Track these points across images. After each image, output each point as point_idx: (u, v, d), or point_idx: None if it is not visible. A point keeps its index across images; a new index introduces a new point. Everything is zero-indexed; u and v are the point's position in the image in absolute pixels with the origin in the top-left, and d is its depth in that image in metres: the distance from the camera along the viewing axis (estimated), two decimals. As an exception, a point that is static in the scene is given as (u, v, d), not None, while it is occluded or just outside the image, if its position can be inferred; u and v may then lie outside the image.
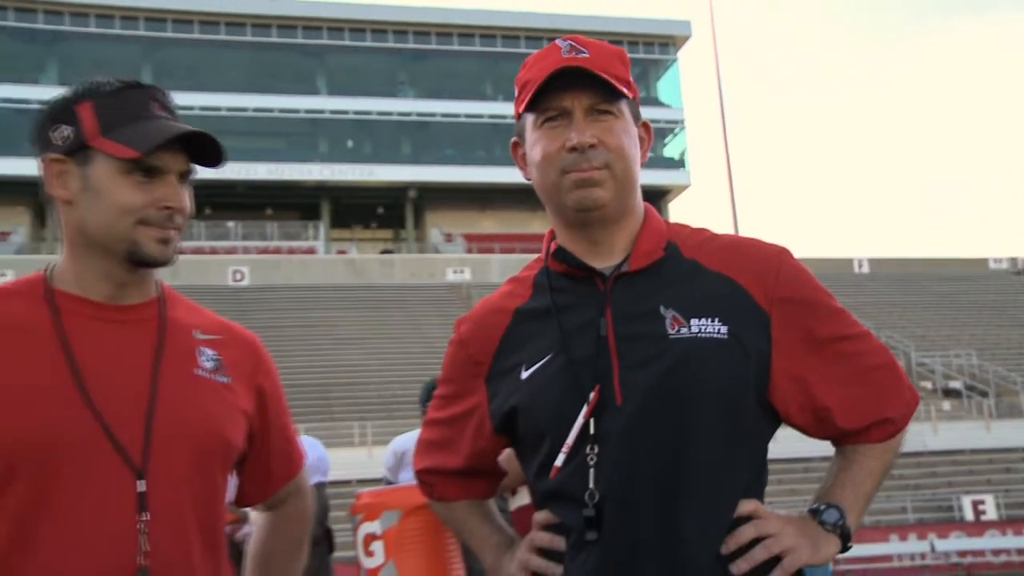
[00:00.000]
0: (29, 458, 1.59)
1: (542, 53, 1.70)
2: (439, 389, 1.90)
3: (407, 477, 4.72)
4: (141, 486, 1.63)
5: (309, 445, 4.76)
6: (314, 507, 4.24)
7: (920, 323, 38.12)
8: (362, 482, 26.65)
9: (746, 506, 1.62)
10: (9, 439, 1.58)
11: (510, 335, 1.75)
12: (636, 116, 1.71)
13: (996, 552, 23.88)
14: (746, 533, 1.60)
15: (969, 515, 25.70)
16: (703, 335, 1.61)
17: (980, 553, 23.77)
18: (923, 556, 23.94)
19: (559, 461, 1.64)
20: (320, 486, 4.70)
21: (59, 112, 1.69)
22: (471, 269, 44.64)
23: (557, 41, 1.69)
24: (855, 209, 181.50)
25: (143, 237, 1.68)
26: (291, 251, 45.95)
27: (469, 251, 47.63)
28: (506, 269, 45.79)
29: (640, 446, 1.60)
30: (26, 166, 36.70)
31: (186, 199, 1.71)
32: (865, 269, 45.45)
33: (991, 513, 25.54)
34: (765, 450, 1.72)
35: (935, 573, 23.15)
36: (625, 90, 1.65)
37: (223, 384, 1.77)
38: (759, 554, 1.59)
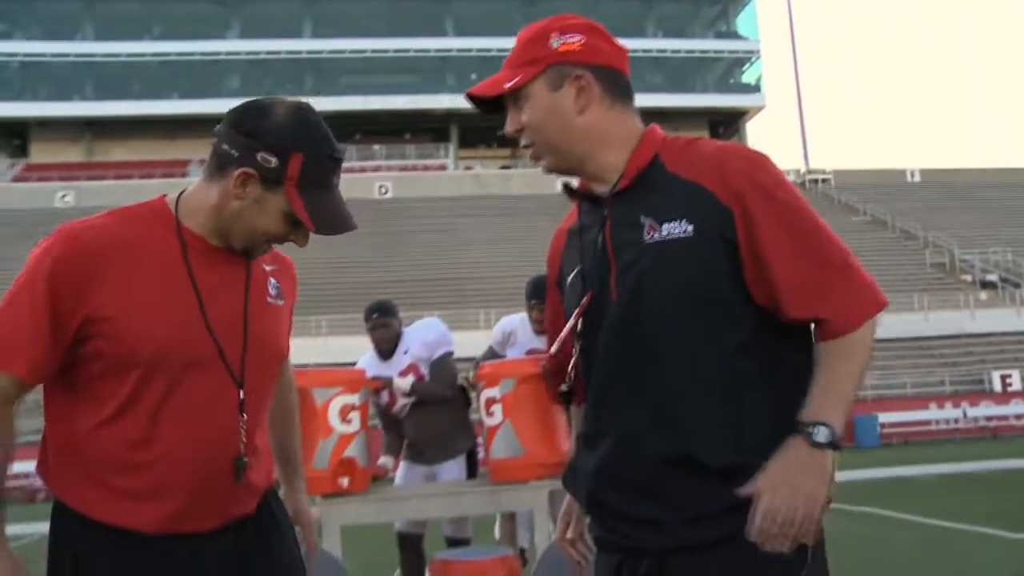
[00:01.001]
0: (164, 366, 1.60)
1: None
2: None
3: (514, 354, 4.81)
4: (241, 395, 1.68)
5: (434, 325, 4.87)
6: (448, 372, 4.69)
7: (963, 225, 36.95)
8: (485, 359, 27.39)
9: (747, 488, 1.46)
10: (151, 348, 1.59)
11: (565, 252, 1.77)
12: (560, 77, 1.61)
13: (1018, 417, 23.80)
14: (763, 505, 1.43)
15: (997, 387, 25.45)
16: (671, 237, 1.52)
17: (1005, 418, 23.70)
18: (956, 421, 23.98)
19: (553, 348, 1.70)
20: (448, 355, 4.72)
21: (275, 145, 1.60)
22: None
23: None
24: (909, 122, 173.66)
25: (260, 247, 1.72)
26: (426, 168, 46.45)
27: (574, 165, 47.40)
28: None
29: (625, 337, 1.56)
30: (218, 106, 37.55)
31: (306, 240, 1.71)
32: (917, 178, 43.98)
33: (1016, 385, 25.27)
34: (763, 334, 1.54)
35: (966, 435, 23.14)
36: (513, 82, 1.62)
37: (280, 307, 1.82)
38: (760, 523, 1.44)
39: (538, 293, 4.67)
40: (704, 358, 1.52)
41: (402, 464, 4.87)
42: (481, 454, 4.43)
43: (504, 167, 47.95)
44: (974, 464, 14.55)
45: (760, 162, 1.56)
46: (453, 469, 4.76)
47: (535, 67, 1.62)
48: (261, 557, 1.77)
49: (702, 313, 1.53)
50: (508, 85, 1.62)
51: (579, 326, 1.62)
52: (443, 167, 47.27)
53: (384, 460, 4.80)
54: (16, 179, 45.26)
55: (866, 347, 1.52)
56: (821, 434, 1.45)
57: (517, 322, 4.92)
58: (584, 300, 1.61)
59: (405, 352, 4.70)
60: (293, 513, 1.98)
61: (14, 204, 41.51)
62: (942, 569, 5.92)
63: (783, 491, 1.42)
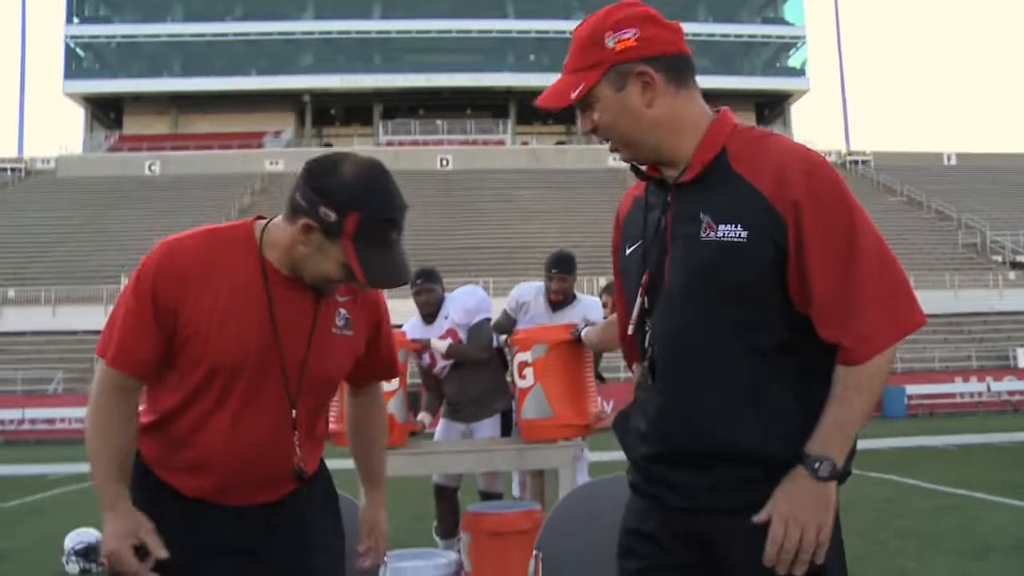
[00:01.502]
0: (231, 375, 1.71)
1: None
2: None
3: (526, 321, 4.75)
4: (294, 413, 1.77)
5: (474, 292, 4.79)
6: (483, 337, 4.68)
7: (997, 207, 35.96)
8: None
9: (760, 516, 1.47)
10: (224, 359, 1.69)
11: (628, 218, 1.73)
12: (622, 76, 1.55)
13: (1041, 393, 23.20)
14: (775, 535, 1.45)
15: (1022, 363, 24.88)
16: (725, 239, 1.48)
17: (1027, 393, 23.12)
18: (980, 395, 23.42)
19: (629, 330, 1.67)
20: (485, 321, 4.67)
21: (334, 202, 1.63)
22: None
23: None
24: (948, 107, 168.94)
25: (326, 287, 1.76)
26: (485, 143, 46.42)
27: (624, 143, 47.16)
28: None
29: (671, 322, 1.57)
30: (292, 82, 37.88)
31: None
32: (953, 161, 42.83)
33: (1040, 362, 24.65)
34: (798, 337, 1.50)
35: (989, 408, 22.62)
36: (578, 91, 1.56)
37: (348, 337, 1.83)
38: (773, 555, 1.46)
39: (559, 264, 4.73)
40: (735, 354, 1.51)
41: (441, 421, 4.90)
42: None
43: (559, 143, 47.71)
44: (994, 436, 14.27)
45: (821, 173, 1.49)
46: (489, 427, 4.74)
47: (596, 71, 1.56)
48: (289, 532, 1.83)
49: (740, 312, 1.51)
50: (574, 95, 1.57)
51: (644, 302, 1.62)
52: (501, 142, 47.19)
53: (423, 416, 4.77)
54: (111, 149, 46.25)
55: (880, 378, 1.47)
56: (824, 469, 1.45)
57: (532, 292, 4.86)
58: (644, 279, 1.61)
59: (446, 317, 4.69)
60: (369, 525, 2.03)
61: (110, 172, 42.45)
62: (957, 534, 5.82)
63: (791, 522, 1.44)
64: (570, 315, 4.67)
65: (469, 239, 35.74)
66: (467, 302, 4.71)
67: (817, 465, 1.45)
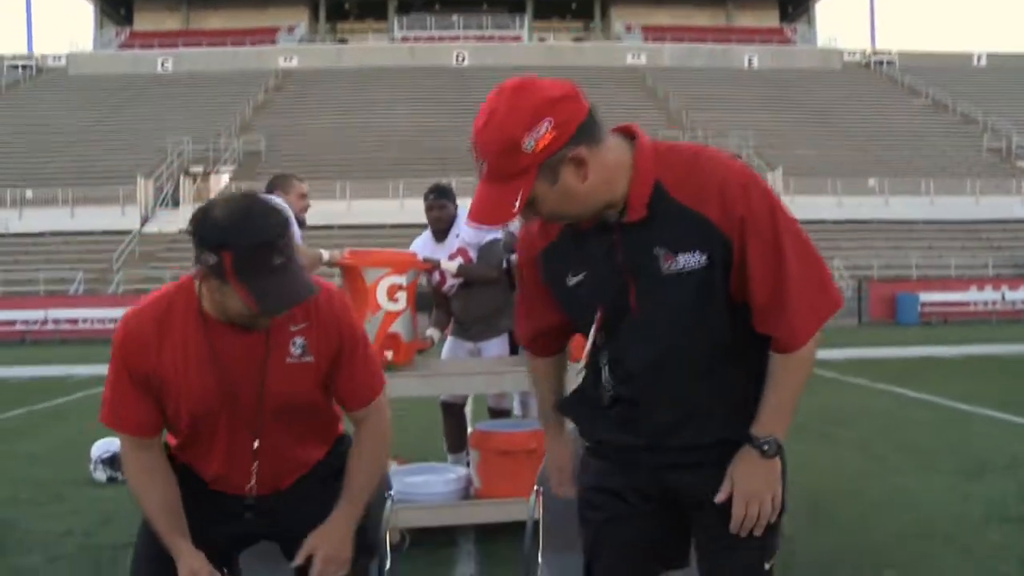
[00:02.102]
0: (190, 419, 1.88)
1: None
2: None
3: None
4: (256, 444, 1.90)
5: None
6: (493, 257, 4.67)
7: (1024, 111, 35.22)
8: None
9: (720, 496, 1.65)
10: (181, 407, 1.86)
11: (554, 248, 1.71)
12: (553, 169, 1.51)
13: (1056, 302, 23.19)
14: (737, 513, 1.64)
15: (1039, 272, 24.75)
16: (687, 268, 1.58)
17: (1043, 303, 23.12)
18: (994, 303, 23.51)
19: (585, 353, 1.73)
20: (496, 242, 4.66)
21: (209, 246, 1.71)
22: (646, 55, 43.47)
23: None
24: (981, 4, 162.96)
25: (250, 323, 1.82)
26: (502, 39, 45.50)
27: (645, 40, 46.11)
28: (675, 55, 44.27)
29: (647, 348, 1.65)
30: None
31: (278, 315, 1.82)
32: (983, 63, 41.69)
33: (1058, 272, 24.53)
34: (748, 325, 1.64)
35: (1002, 317, 22.72)
36: (517, 205, 1.51)
37: (306, 363, 1.88)
38: (738, 508, 1.64)
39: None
40: (713, 361, 1.65)
41: (449, 339, 4.97)
42: None
43: (577, 39, 46.68)
44: (1004, 347, 14.37)
45: (756, 188, 1.58)
46: (496, 346, 4.80)
47: (527, 177, 1.50)
48: (291, 520, 1.97)
49: (711, 324, 1.63)
50: (515, 209, 1.52)
51: (602, 336, 1.69)
52: (518, 38, 46.27)
53: (431, 332, 4.82)
54: (122, 46, 45.61)
55: (810, 360, 1.66)
56: (771, 448, 1.63)
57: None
58: (599, 314, 1.67)
59: (457, 236, 4.71)
60: (316, 534, 1.93)
61: (121, 70, 41.95)
62: (956, 451, 5.94)
63: (751, 500, 1.64)
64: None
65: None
66: None
67: (765, 447, 1.63)
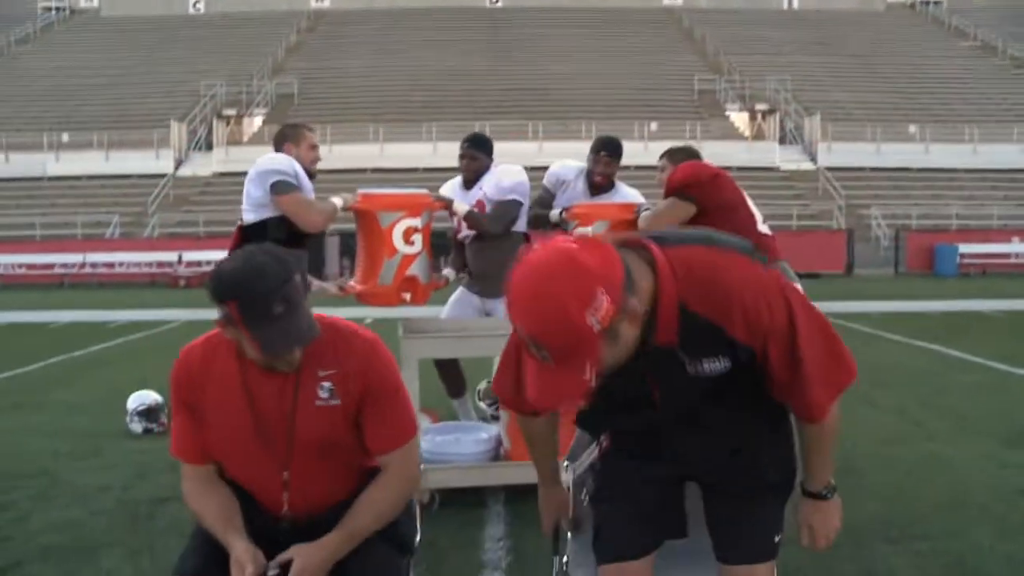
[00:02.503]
0: (225, 454, 2.05)
1: (527, 354, 1.57)
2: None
3: (563, 201, 4.75)
4: (286, 476, 2.03)
5: (515, 173, 4.66)
6: (504, 214, 4.54)
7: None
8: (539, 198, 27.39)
9: (804, 542, 1.99)
10: (217, 444, 2.03)
11: None
12: (615, 332, 1.55)
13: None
14: (821, 547, 1.99)
15: (1084, 224, 24.21)
16: (713, 372, 1.70)
17: (1087, 256, 22.63)
18: (1036, 255, 23.05)
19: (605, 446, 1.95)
20: (513, 203, 4.58)
21: (219, 298, 1.89)
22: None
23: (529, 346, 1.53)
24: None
25: (270, 364, 1.95)
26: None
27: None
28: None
29: (672, 433, 1.86)
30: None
31: (294, 355, 1.95)
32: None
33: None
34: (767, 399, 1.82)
35: (1044, 269, 22.31)
36: (591, 378, 1.53)
37: (334, 406, 2.01)
38: (819, 540, 1.99)
39: (608, 147, 4.75)
40: (731, 416, 1.85)
41: (460, 288, 4.97)
42: None
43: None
44: (1046, 302, 14.13)
45: (777, 300, 1.68)
46: (497, 307, 4.69)
47: (593, 352, 1.51)
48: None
49: (730, 399, 1.81)
50: (589, 387, 1.54)
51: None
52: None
53: (447, 272, 4.87)
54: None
55: (835, 425, 1.86)
56: (830, 492, 1.98)
57: (573, 172, 4.83)
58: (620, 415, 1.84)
59: (480, 188, 4.68)
60: (300, 548, 1.97)
61: (154, 11, 41.83)
62: (993, 413, 5.87)
63: (829, 534, 2.00)
64: (610, 201, 4.67)
65: (517, 81, 35.02)
66: (504, 180, 4.64)
67: (825, 494, 1.97)
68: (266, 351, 1.90)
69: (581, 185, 4.78)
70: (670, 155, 4.19)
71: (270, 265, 1.91)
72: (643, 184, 5.55)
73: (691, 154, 4.17)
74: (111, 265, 22.79)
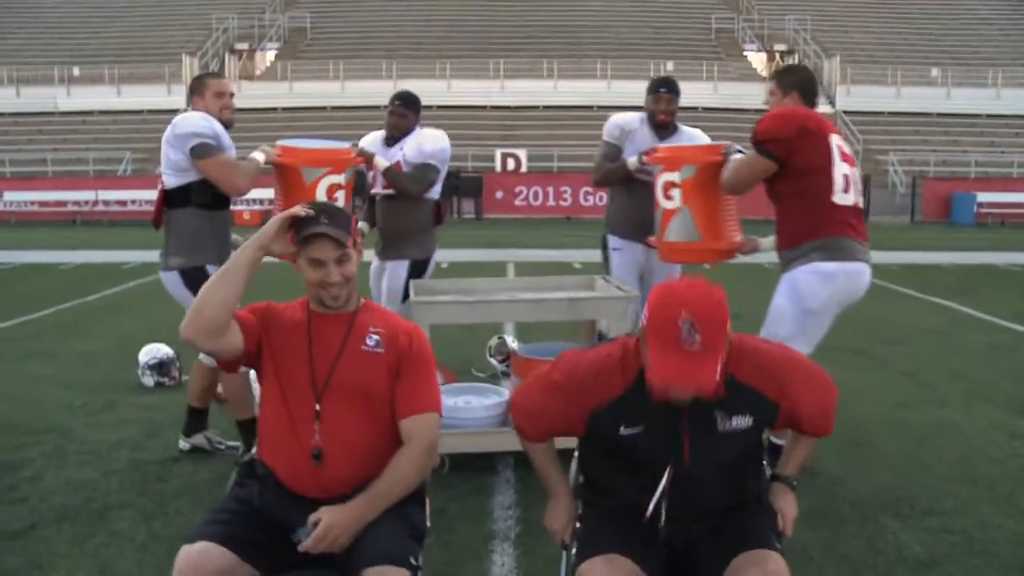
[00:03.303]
0: (285, 383, 2.26)
1: (667, 341, 1.84)
2: (557, 376, 2.15)
3: (633, 150, 4.58)
4: (317, 407, 2.22)
5: (438, 139, 4.67)
6: (422, 177, 4.55)
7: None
8: (602, 108, 27.00)
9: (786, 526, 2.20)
10: (281, 372, 2.27)
11: (615, 409, 2.05)
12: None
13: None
14: (788, 531, 2.19)
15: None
16: (738, 428, 2.05)
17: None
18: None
19: (652, 505, 2.06)
20: (431, 168, 4.62)
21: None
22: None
23: (683, 331, 1.84)
24: None
25: (319, 297, 2.29)
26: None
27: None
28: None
29: (693, 489, 2.07)
30: None
31: (339, 273, 2.24)
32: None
33: None
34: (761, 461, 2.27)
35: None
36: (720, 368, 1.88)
37: (379, 354, 2.27)
38: (788, 527, 2.20)
39: (667, 84, 4.66)
40: (740, 478, 2.17)
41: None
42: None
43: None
44: (1064, 256, 13.96)
45: (803, 367, 2.15)
46: (396, 269, 4.76)
47: (723, 354, 1.89)
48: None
49: (746, 464, 2.18)
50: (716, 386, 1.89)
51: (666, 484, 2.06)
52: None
53: (362, 225, 4.83)
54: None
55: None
56: (795, 483, 2.29)
57: (636, 121, 4.70)
58: (669, 471, 2.05)
59: (400, 149, 4.65)
60: (331, 510, 2.12)
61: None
62: (1006, 377, 5.83)
63: (794, 517, 2.24)
64: (678, 143, 4.57)
65: (532, 19, 34.42)
66: (426, 144, 4.63)
67: (794, 482, 2.29)
68: (302, 238, 2.26)
69: (647, 130, 4.66)
70: (779, 78, 3.85)
71: (322, 204, 2.43)
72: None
73: (802, 82, 3.81)
74: (123, 203, 22.74)
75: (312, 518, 2.08)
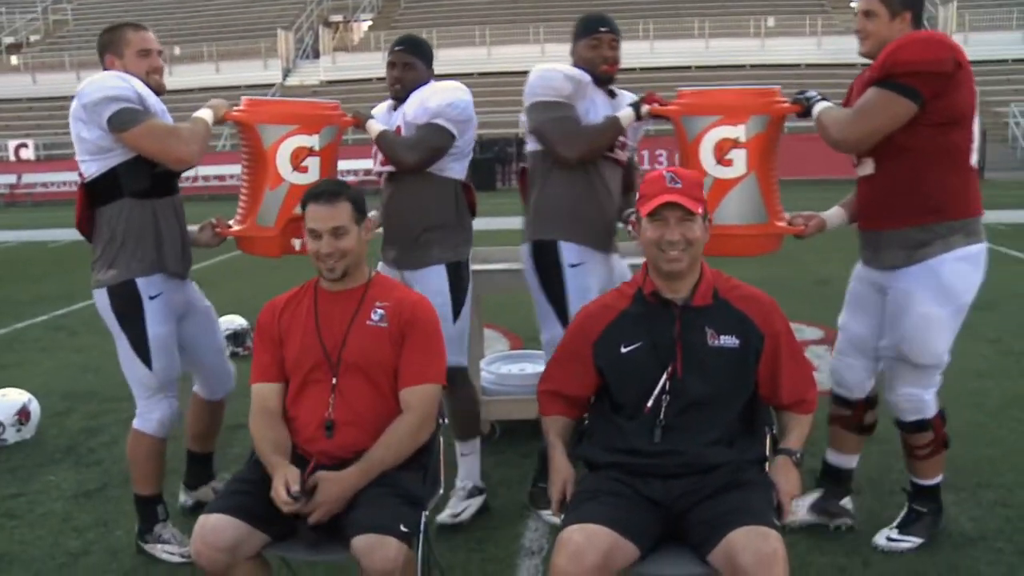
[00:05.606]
0: (296, 362, 2.42)
1: (655, 179, 2.30)
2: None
3: (586, 113, 3.20)
4: (334, 380, 2.38)
5: (448, 93, 3.21)
6: (424, 139, 3.13)
7: None
8: (700, 68, 26.37)
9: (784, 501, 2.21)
10: (293, 357, 2.43)
11: (612, 328, 2.35)
12: (705, 213, 2.32)
13: None
14: (785, 505, 2.20)
15: None
16: (726, 346, 2.28)
17: None
18: None
19: (649, 403, 2.25)
20: (438, 128, 3.17)
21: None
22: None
23: (663, 172, 2.32)
24: None
25: (319, 269, 2.45)
26: None
27: None
28: None
29: (687, 399, 2.25)
30: None
31: (336, 245, 2.37)
32: None
33: None
34: (755, 393, 2.35)
35: None
36: (700, 209, 2.28)
37: (382, 328, 2.41)
38: (786, 503, 2.21)
39: (608, 22, 3.31)
40: (731, 411, 2.30)
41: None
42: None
43: None
44: None
45: (780, 312, 2.37)
46: (429, 278, 3.28)
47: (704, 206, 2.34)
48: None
49: (734, 389, 2.30)
50: (699, 209, 2.30)
51: (664, 394, 2.26)
52: None
53: (374, 213, 3.30)
54: None
55: (811, 422, 2.41)
56: (800, 459, 2.31)
57: (586, 74, 3.23)
58: (665, 378, 2.26)
59: (402, 110, 3.36)
60: (326, 475, 2.25)
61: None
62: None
63: (794, 493, 2.23)
64: (621, 105, 3.27)
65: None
66: (431, 99, 3.23)
67: (797, 457, 2.31)
68: (306, 201, 2.43)
69: (594, 87, 3.28)
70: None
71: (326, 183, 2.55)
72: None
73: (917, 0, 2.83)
74: (222, 178, 23.52)
75: (308, 483, 2.20)
